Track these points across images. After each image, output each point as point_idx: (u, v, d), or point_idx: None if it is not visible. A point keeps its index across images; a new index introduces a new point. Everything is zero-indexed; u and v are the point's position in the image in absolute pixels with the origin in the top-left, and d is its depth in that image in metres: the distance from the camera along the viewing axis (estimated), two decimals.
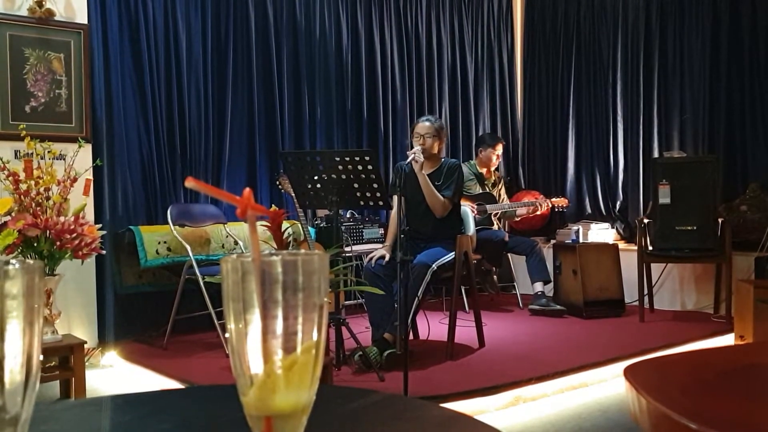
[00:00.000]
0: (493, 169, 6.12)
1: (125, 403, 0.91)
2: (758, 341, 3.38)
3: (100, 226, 3.85)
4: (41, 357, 0.59)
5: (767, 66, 5.58)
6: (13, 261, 0.57)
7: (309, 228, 5.13)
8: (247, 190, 0.54)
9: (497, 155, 6.04)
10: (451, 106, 6.87)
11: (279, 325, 0.56)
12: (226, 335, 0.58)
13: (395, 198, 3.99)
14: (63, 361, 3.76)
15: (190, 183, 0.54)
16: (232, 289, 0.57)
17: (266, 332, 0.56)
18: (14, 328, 0.54)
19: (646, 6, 6.29)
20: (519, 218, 6.18)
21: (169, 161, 5.13)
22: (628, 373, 0.81)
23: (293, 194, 4.23)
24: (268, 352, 0.56)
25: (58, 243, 3.59)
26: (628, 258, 5.47)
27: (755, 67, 5.64)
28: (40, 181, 3.65)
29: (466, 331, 4.47)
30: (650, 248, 5.30)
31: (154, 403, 0.88)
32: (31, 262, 0.57)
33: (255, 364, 0.57)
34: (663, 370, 0.87)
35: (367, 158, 3.73)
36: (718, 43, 5.82)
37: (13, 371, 0.55)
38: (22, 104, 4.31)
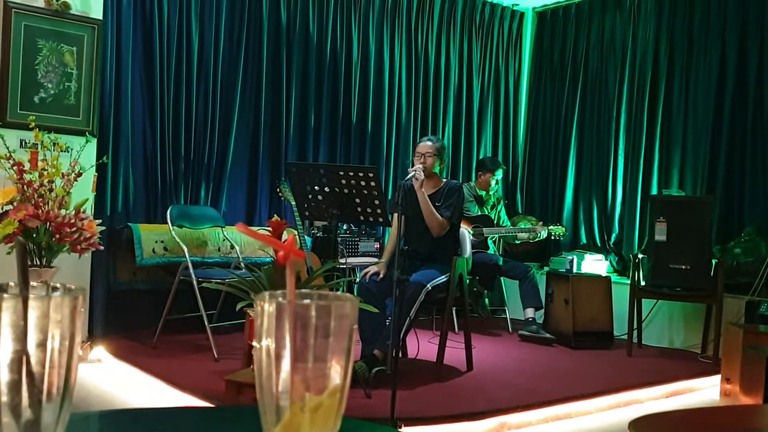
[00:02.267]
0: (491, 192, 6.15)
1: (139, 416, 0.92)
2: (761, 405, 3.35)
3: (100, 221, 3.86)
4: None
5: None
6: (58, 285, 0.59)
7: (306, 237, 5.15)
8: (291, 237, 0.57)
9: (496, 180, 6.08)
10: (454, 127, 6.90)
11: (309, 368, 0.59)
12: (253, 344, 0.60)
13: (395, 216, 4.01)
14: None
15: (240, 228, 0.56)
16: (266, 329, 0.59)
17: (295, 374, 0.58)
18: (56, 348, 0.57)
19: (655, 43, 6.35)
20: (519, 242, 6.23)
21: (172, 161, 5.15)
22: (633, 426, 0.83)
23: (293, 203, 4.25)
24: (297, 392, 0.58)
25: (57, 236, 3.60)
26: (620, 291, 5.50)
27: (759, 111, 5.69)
28: (45, 173, 3.67)
29: (455, 352, 4.48)
30: (642, 283, 5.33)
31: (169, 421, 0.90)
32: (74, 287, 0.60)
33: (282, 403, 0.59)
34: (668, 427, 0.89)
35: (370, 175, 3.76)
36: (723, 85, 5.87)
37: (51, 389, 0.57)
38: (32, 94, 4.32)
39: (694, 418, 1.01)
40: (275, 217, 3.10)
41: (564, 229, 6.22)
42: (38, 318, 0.55)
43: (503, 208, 6.30)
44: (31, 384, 0.56)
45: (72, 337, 0.58)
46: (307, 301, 0.60)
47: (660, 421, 0.94)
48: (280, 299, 0.60)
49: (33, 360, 0.55)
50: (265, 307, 0.59)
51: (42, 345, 0.56)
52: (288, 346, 0.58)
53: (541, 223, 6.26)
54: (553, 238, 6.22)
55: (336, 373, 0.60)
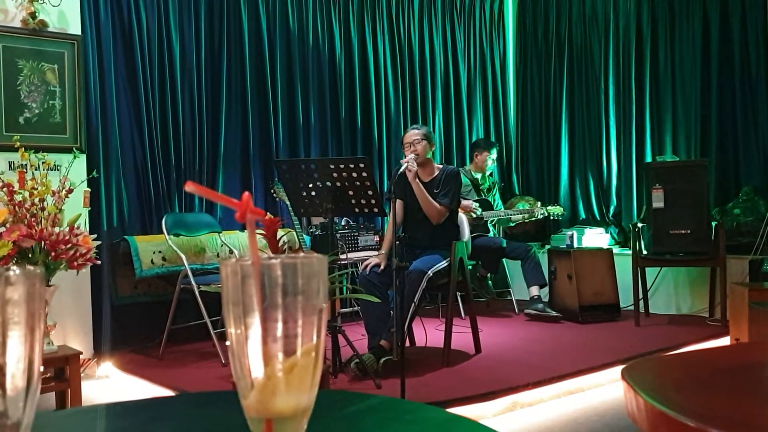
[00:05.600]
0: (487, 174, 6.16)
1: (124, 410, 0.91)
2: (752, 341, 3.39)
3: (95, 236, 3.84)
4: (41, 365, 0.59)
5: (758, 70, 5.61)
6: (14, 267, 0.57)
7: (304, 236, 5.14)
8: (246, 194, 0.55)
9: (492, 159, 6.10)
10: (444, 113, 6.89)
11: (279, 328, 0.57)
12: (226, 342, 0.58)
13: (391, 204, 3.99)
14: (58, 373, 3.74)
15: (190, 187, 0.55)
16: (232, 293, 0.57)
17: (266, 335, 0.57)
18: (16, 334, 0.55)
19: (637, 11, 6.33)
20: (514, 224, 6.22)
21: (163, 171, 5.13)
22: (626, 373, 0.82)
23: (288, 202, 4.23)
24: (269, 355, 0.57)
25: (53, 254, 3.57)
26: (623, 262, 5.49)
27: (746, 71, 5.68)
28: (35, 192, 3.64)
29: (462, 337, 4.47)
30: (644, 252, 5.31)
31: (153, 410, 0.88)
32: (32, 268, 0.58)
33: (256, 367, 0.57)
34: (659, 370, 0.88)
35: (361, 165, 3.73)
36: (708, 48, 5.86)
37: (15, 377, 0.55)
38: (16, 115, 4.30)
39: (688, 359, 1.00)
40: (267, 215, 3.08)
41: (562, 209, 6.20)
42: None
43: (498, 192, 6.29)
44: None
45: (32, 318, 0.56)
46: (272, 260, 0.58)
47: (652, 365, 0.92)
48: (245, 261, 0.58)
49: None
50: (230, 271, 0.57)
51: (1, 328, 0.54)
52: (256, 307, 0.56)
53: (539, 203, 6.25)
54: (552, 218, 6.21)
55: (309, 333, 0.58)
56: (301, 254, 0.60)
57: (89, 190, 4.35)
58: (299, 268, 0.58)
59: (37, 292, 0.56)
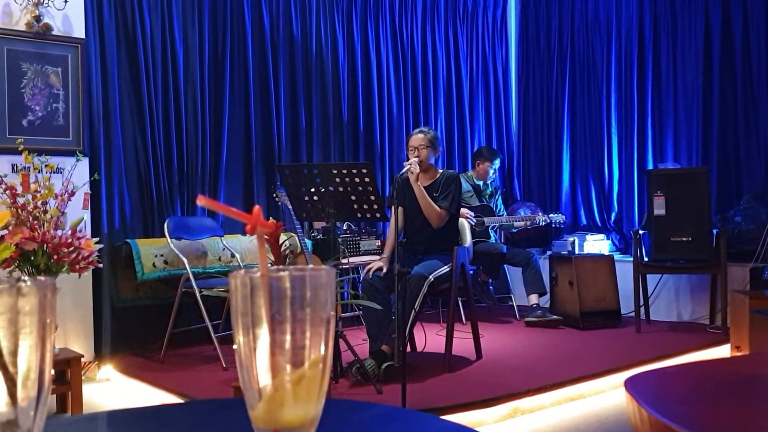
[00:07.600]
0: (489, 181, 6.16)
1: (129, 417, 0.91)
2: (755, 353, 3.40)
3: (97, 239, 3.85)
4: (52, 372, 0.59)
5: (759, 77, 5.62)
6: (26, 278, 0.58)
7: (306, 240, 5.14)
8: (257, 207, 0.56)
9: (494, 169, 6.09)
10: (446, 118, 6.90)
11: (287, 340, 0.57)
12: (234, 346, 0.59)
13: (393, 209, 4.00)
14: (60, 375, 3.75)
15: (201, 201, 0.55)
16: (240, 304, 0.58)
17: (274, 347, 0.57)
18: (27, 344, 0.55)
19: (640, 18, 6.35)
20: (516, 230, 6.22)
21: (166, 174, 5.14)
22: (629, 384, 0.82)
23: (290, 206, 4.24)
24: (277, 366, 0.57)
25: (55, 257, 3.58)
26: (624, 269, 5.49)
27: (747, 79, 5.69)
28: (38, 195, 3.65)
29: (463, 342, 4.47)
30: (646, 259, 5.32)
31: (158, 418, 0.89)
32: (43, 278, 0.58)
33: (263, 378, 0.58)
34: (663, 382, 0.88)
35: (364, 171, 3.74)
36: (710, 55, 5.86)
37: (27, 387, 0.55)
38: (20, 118, 4.32)
39: (692, 371, 1.00)
40: (270, 219, 3.09)
41: (563, 216, 6.20)
42: (6, 310, 0.54)
43: (500, 197, 6.30)
44: (6, 379, 0.55)
45: (44, 328, 0.56)
46: (281, 273, 0.59)
47: (656, 377, 0.93)
48: (254, 273, 0.58)
49: (5, 352, 0.54)
50: (239, 282, 0.58)
51: (13, 338, 0.55)
52: (264, 319, 0.57)
53: (540, 211, 6.25)
54: (553, 225, 6.22)
55: (316, 344, 0.58)
56: (309, 266, 0.60)
57: (89, 192, 4.36)
58: (308, 281, 0.58)
59: (48, 302, 0.57)
